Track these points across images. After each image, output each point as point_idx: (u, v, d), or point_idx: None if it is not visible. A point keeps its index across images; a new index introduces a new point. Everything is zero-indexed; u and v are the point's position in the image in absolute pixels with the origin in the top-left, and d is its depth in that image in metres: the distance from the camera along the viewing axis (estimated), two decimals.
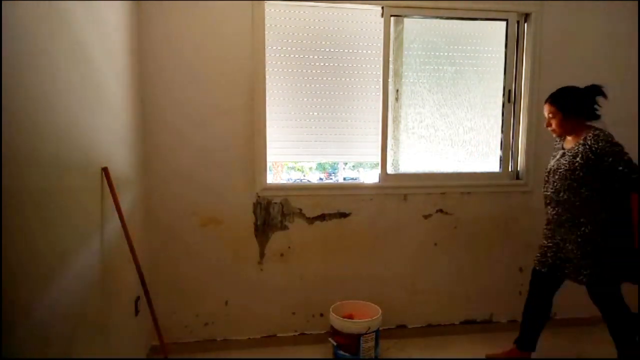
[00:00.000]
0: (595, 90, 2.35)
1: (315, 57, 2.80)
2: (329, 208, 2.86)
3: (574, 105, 2.34)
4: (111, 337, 2.08)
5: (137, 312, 2.47)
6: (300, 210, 2.84)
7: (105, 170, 2.00)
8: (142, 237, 2.57)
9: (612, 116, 3.06)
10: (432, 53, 2.94)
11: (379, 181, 2.91)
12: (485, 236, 3.04)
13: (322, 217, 2.86)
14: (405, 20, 2.87)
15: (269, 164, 2.81)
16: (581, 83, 3.00)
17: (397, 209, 2.92)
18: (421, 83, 2.94)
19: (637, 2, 3.00)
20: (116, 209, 2.06)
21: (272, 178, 2.86)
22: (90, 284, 1.87)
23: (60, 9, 1.62)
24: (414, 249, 2.98)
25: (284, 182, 2.92)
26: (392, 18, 2.82)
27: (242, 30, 2.65)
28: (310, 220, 2.85)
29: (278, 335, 2.91)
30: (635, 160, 3.08)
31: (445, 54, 2.95)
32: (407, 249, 2.97)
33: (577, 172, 2.27)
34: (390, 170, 2.93)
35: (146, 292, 2.24)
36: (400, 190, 2.92)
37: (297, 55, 2.78)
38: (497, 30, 2.99)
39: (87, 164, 1.85)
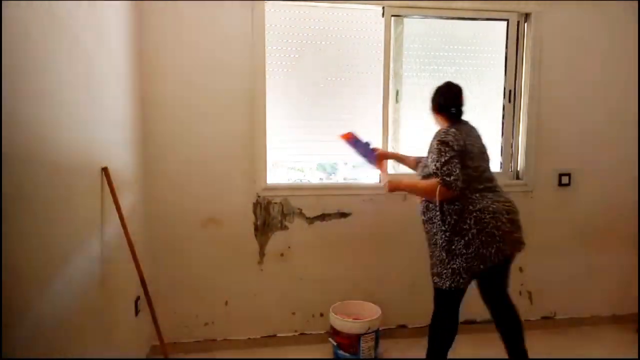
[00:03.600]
0: (455, 89, 2.34)
1: (316, 57, 2.80)
2: (329, 208, 2.86)
3: (440, 103, 2.34)
4: (111, 337, 2.08)
5: (137, 312, 2.47)
6: (300, 210, 2.84)
7: (105, 170, 2.00)
8: (142, 237, 2.57)
9: (612, 116, 3.08)
10: (433, 53, 2.94)
11: (380, 181, 2.90)
12: None
13: (322, 217, 2.86)
14: (406, 20, 2.87)
15: (269, 164, 2.81)
16: (580, 83, 3.02)
17: (397, 209, 2.92)
18: (421, 84, 2.94)
19: (637, 2, 3.00)
20: (116, 209, 2.06)
21: (272, 178, 2.86)
22: (90, 284, 1.87)
23: (60, 9, 1.62)
24: (414, 249, 2.96)
25: (284, 182, 2.91)
26: (392, 18, 2.82)
27: (242, 30, 2.65)
28: (310, 220, 2.85)
29: (278, 335, 2.91)
30: (635, 161, 3.11)
31: (446, 54, 2.94)
32: (407, 249, 2.97)
33: None
34: (389, 170, 2.92)
35: (146, 292, 2.24)
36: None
37: (297, 55, 2.78)
38: (497, 31, 2.98)
39: (87, 164, 1.85)
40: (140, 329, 2.53)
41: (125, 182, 2.30)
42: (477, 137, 2.28)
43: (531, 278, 3.12)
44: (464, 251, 2.14)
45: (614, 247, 3.19)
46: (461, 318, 3.07)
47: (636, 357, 2.79)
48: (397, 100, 2.92)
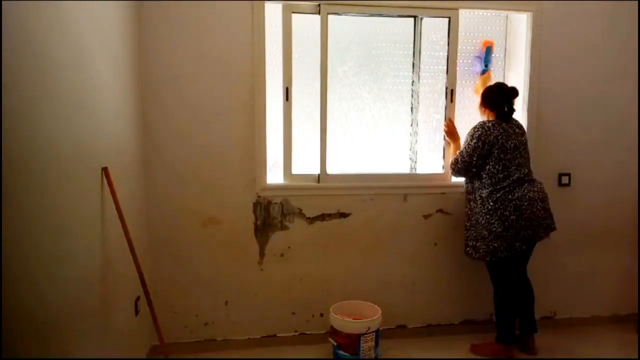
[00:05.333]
0: (513, 92, 2.66)
1: (315, 56, 2.79)
2: (329, 208, 2.86)
3: (489, 99, 2.70)
4: (111, 337, 2.08)
5: (137, 312, 2.47)
6: (300, 210, 2.84)
7: (105, 170, 2.00)
8: (142, 237, 2.57)
9: (612, 116, 3.08)
10: (373, 52, 2.88)
11: (319, 182, 2.86)
12: None
13: (322, 217, 2.86)
14: (343, 18, 2.80)
15: (269, 164, 2.81)
16: (580, 82, 3.02)
17: (397, 209, 2.92)
18: (359, 84, 2.90)
19: (637, 2, 3.00)
20: (116, 209, 2.06)
21: (272, 178, 2.85)
22: (91, 284, 1.87)
23: (60, 9, 1.62)
24: (414, 249, 2.98)
25: (284, 182, 2.90)
26: (329, 16, 2.74)
27: (242, 30, 2.64)
28: (310, 220, 2.85)
29: (278, 335, 2.91)
30: (635, 161, 3.11)
31: (401, 52, 2.90)
32: (407, 249, 2.97)
33: None
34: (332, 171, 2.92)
35: (146, 292, 2.24)
36: (399, 190, 2.92)
37: (297, 56, 2.77)
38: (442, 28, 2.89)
39: (87, 164, 1.85)
40: (140, 329, 2.53)
41: (126, 182, 2.30)
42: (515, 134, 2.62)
43: (531, 278, 3.11)
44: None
45: (614, 247, 3.19)
46: (461, 318, 3.10)
47: (636, 357, 2.79)
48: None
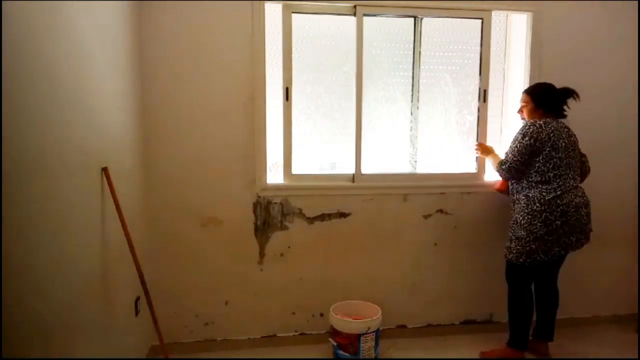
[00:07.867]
0: (567, 93, 2.60)
1: (314, 57, 2.80)
2: (329, 208, 2.86)
3: (544, 100, 2.59)
4: (111, 337, 2.08)
5: (137, 312, 2.47)
6: (300, 210, 2.84)
7: (105, 170, 2.00)
8: (142, 237, 2.57)
9: (612, 116, 3.08)
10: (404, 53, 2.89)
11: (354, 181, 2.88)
12: (485, 236, 3.03)
13: (322, 217, 2.86)
14: (378, 19, 2.82)
15: (269, 164, 2.81)
16: (580, 82, 3.01)
17: (397, 209, 2.92)
18: (393, 83, 2.91)
19: (637, 2, 3.00)
20: (116, 209, 2.06)
21: (272, 178, 2.85)
22: (91, 284, 1.87)
23: (60, 9, 1.62)
24: (414, 249, 2.98)
25: (284, 181, 2.90)
26: (364, 17, 2.75)
27: (242, 30, 2.64)
28: (310, 220, 2.85)
29: (278, 335, 2.91)
30: (635, 161, 3.11)
31: (436, 53, 2.91)
32: (407, 248, 2.97)
33: None
34: (367, 170, 2.92)
35: (146, 292, 2.24)
36: (400, 190, 2.92)
37: (297, 56, 2.77)
38: (475, 30, 2.92)
39: (87, 164, 1.85)
40: (140, 329, 2.53)
41: (125, 182, 2.30)
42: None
43: None
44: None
45: (614, 247, 3.19)
46: (461, 318, 3.10)
47: (636, 357, 2.79)
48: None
